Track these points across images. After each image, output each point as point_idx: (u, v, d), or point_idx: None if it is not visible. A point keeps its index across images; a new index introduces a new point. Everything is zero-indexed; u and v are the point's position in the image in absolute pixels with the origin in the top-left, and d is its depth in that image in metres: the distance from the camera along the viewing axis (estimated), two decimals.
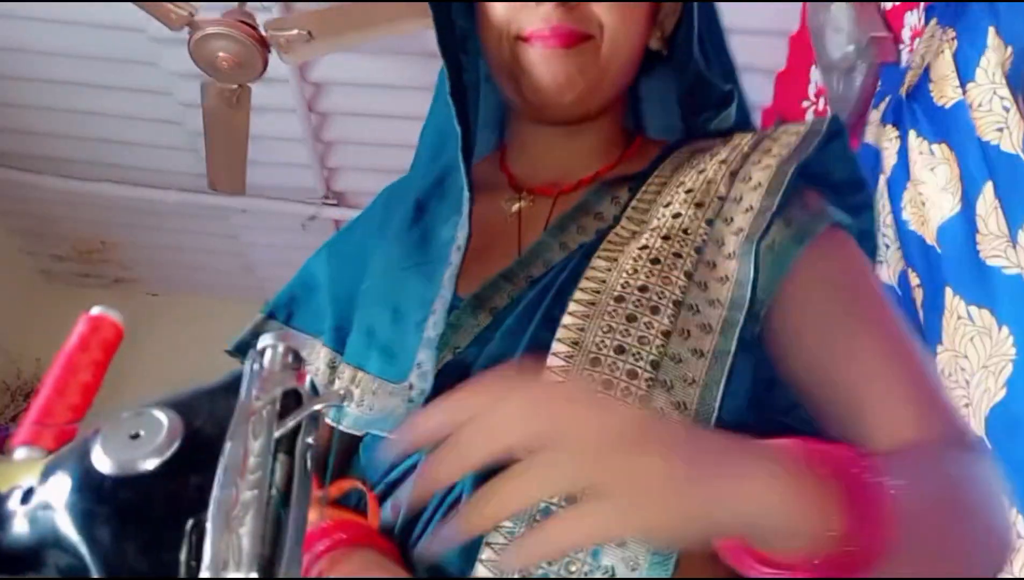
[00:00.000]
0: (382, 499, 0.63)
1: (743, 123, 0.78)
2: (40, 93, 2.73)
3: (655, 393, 0.56)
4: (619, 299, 0.60)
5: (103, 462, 0.37)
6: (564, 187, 0.74)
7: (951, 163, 1.33)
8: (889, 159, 1.56)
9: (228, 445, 0.36)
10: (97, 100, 2.73)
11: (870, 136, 1.67)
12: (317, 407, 0.39)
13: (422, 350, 0.63)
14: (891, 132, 1.58)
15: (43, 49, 2.56)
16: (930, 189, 1.36)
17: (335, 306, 0.74)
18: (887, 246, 1.54)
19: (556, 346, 0.59)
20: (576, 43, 0.69)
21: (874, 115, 1.67)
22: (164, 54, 2.45)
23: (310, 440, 0.39)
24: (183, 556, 0.35)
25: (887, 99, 1.62)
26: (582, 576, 0.51)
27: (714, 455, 0.41)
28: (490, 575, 0.54)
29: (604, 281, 0.61)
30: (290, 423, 0.38)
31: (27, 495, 0.38)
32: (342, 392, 0.39)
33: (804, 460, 0.43)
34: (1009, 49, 1.27)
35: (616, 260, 0.63)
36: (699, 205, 0.65)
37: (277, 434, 0.37)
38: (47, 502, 0.37)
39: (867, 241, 0.70)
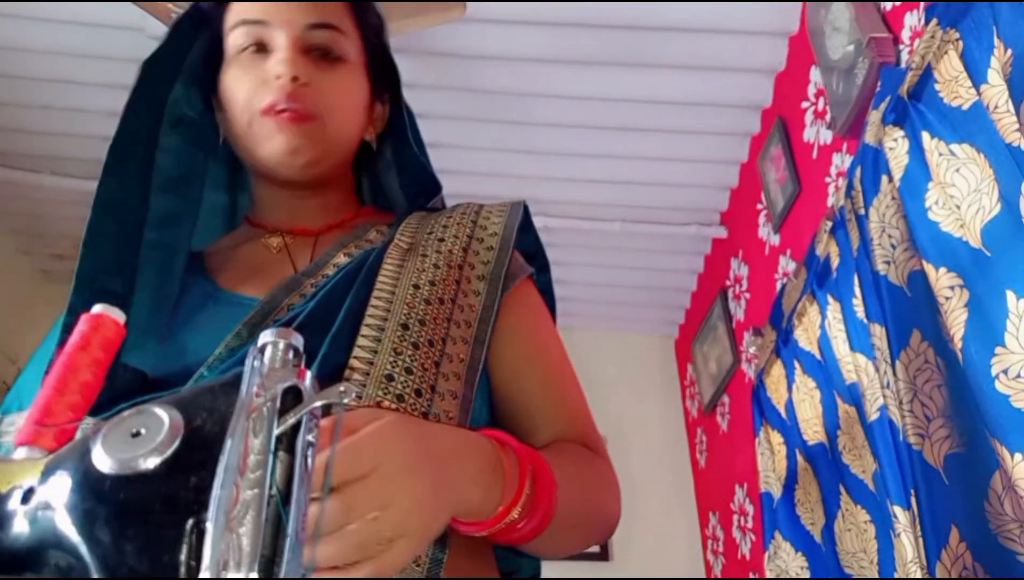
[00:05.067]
0: None
1: (442, 202, 1.02)
2: (39, 92, 2.73)
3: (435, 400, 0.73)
4: (404, 327, 0.76)
5: (104, 461, 0.36)
6: (323, 227, 0.90)
7: (980, 163, 1.32)
8: (898, 159, 1.55)
9: (228, 443, 0.36)
10: (97, 99, 2.72)
11: (870, 136, 1.67)
12: (318, 404, 0.38)
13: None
14: (894, 132, 1.57)
15: (43, 48, 2.56)
16: (962, 191, 1.35)
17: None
18: (893, 246, 1.53)
19: (353, 362, 0.72)
20: (305, 121, 0.84)
21: (874, 115, 1.66)
22: None
23: (311, 438, 0.38)
24: (183, 556, 0.35)
25: (887, 99, 1.62)
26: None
27: (449, 464, 0.59)
28: None
29: (389, 308, 0.77)
30: (291, 420, 0.38)
31: (27, 495, 0.38)
32: (342, 388, 0.39)
33: (502, 449, 0.65)
34: (1009, 52, 1.27)
35: (399, 277, 0.80)
36: (450, 252, 0.85)
37: (277, 431, 0.37)
38: (47, 502, 0.37)
39: (548, 294, 0.95)
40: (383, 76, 0.96)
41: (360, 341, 0.73)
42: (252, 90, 0.85)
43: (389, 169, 1.01)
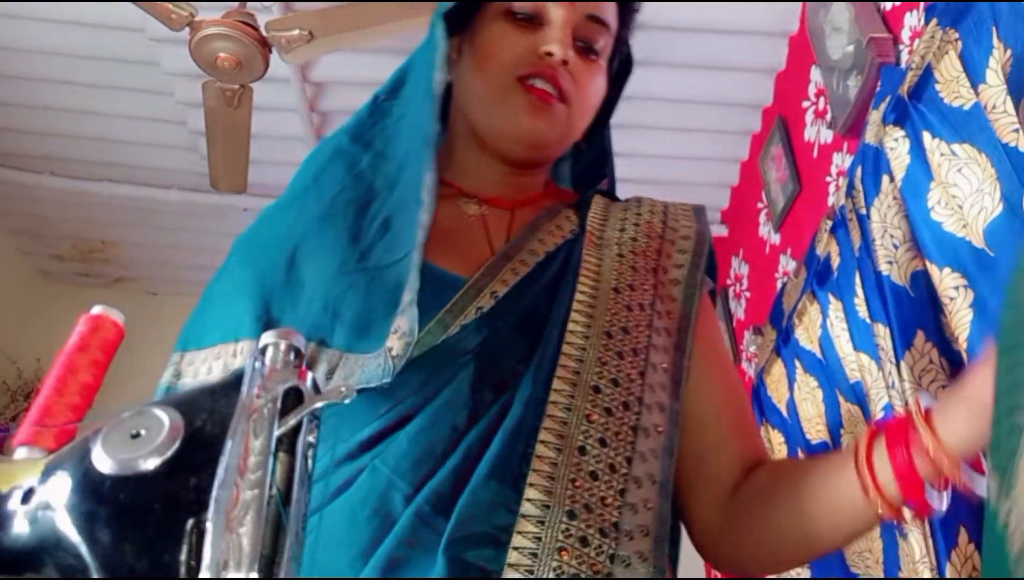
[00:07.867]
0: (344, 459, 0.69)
1: (613, 188, 1.01)
2: (40, 93, 2.73)
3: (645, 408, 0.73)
4: (608, 335, 0.74)
5: (104, 462, 0.36)
6: (518, 201, 0.87)
7: (981, 163, 1.32)
8: (900, 159, 1.55)
9: (229, 444, 0.36)
10: (97, 100, 2.72)
11: (870, 136, 1.67)
12: (319, 404, 0.38)
13: (399, 317, 0.69)
14: (895, 132, 1.57)
15: (43, 49, 2.56)
16: (964, 191, 1.35)
17: (256, 298, 0.78)
18: (896, 247, 1.52)
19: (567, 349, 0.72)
20: (556, 102, 0.82)
21: (874, 115, 1.66)
22: (164, 54, 2.45)
23: (311, 439, 0.38)
24: (183, 556, 0.35)
25: (887, 99, 1.61)
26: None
27: None
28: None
29: (592, 314, 0.75)
30: (291, 421, 0.38)
31: (27, 495, 0.38)
32: (343, 389, 0.39)
33: None
34: (1008, 52, 1.27)
35: (599, 280, 0.79)
36: (644, 253, 0.83)
37: (278, 432, 0.37)
38: (47, 502, 0.37)
39: (712, 295, 0.93)
40: (618, 74, 0.97)
41: (565, 349, 0.72)
42: (518, 55, 0.82)
43: (574, 151, 0.99)
